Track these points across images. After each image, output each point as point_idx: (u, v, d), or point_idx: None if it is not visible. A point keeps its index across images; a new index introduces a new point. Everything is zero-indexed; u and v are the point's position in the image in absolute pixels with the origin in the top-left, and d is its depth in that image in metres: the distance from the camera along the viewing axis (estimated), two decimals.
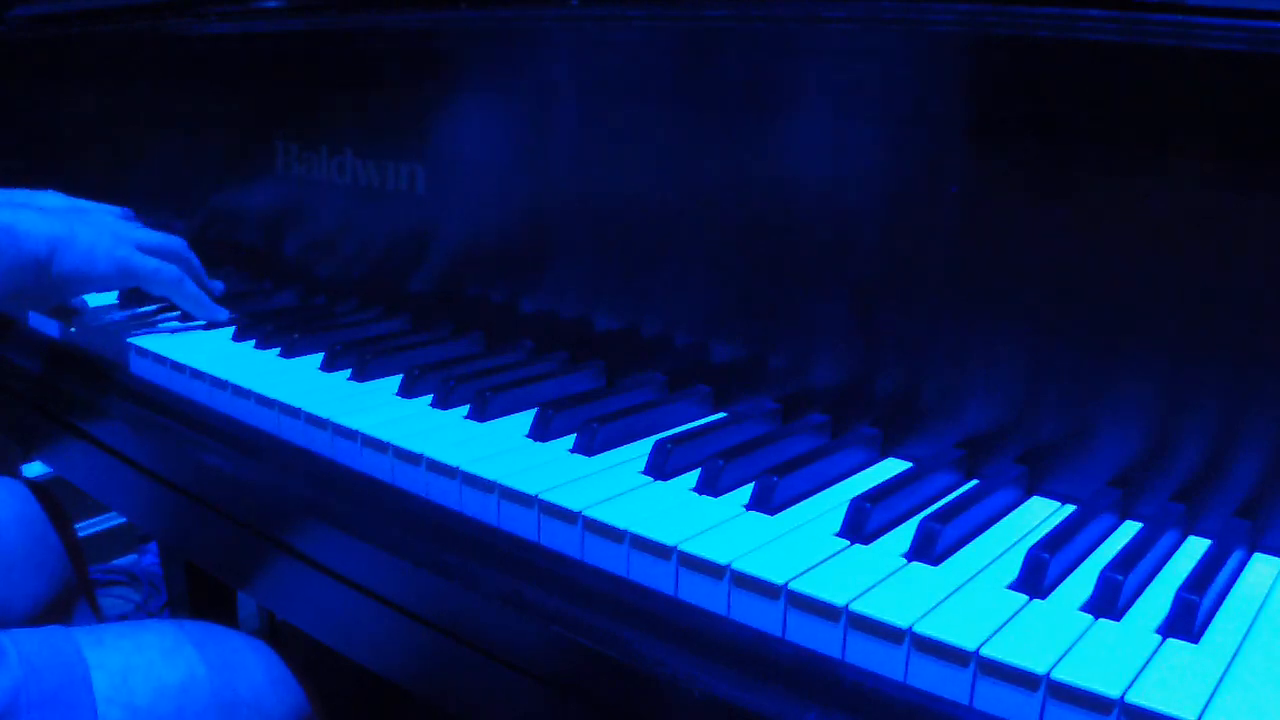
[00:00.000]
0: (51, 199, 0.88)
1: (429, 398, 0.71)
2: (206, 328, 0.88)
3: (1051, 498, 0.59)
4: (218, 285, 0.92)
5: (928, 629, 0.43)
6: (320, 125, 0.93)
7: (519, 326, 0.82)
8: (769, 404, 0.68)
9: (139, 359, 0.83)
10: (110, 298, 0.99)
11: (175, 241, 0.88)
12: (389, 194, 0.88)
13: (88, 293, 0.83)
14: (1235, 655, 0.43)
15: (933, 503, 0.57)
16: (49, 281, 0.78)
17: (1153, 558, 0.50)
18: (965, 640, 0.43)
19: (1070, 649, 0.43)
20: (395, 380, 0.74)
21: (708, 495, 0.57)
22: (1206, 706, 0.39)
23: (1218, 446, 0.53)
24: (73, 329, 0.91)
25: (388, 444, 0.63)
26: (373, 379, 0.75)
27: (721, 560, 0.49)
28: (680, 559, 0.50)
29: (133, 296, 0.98)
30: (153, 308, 0.94)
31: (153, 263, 0.83)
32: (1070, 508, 0.58)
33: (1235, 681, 0.41)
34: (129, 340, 0.84)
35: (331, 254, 0.95)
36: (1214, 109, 0.51)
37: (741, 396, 0.70)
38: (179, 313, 0.90)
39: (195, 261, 0.89)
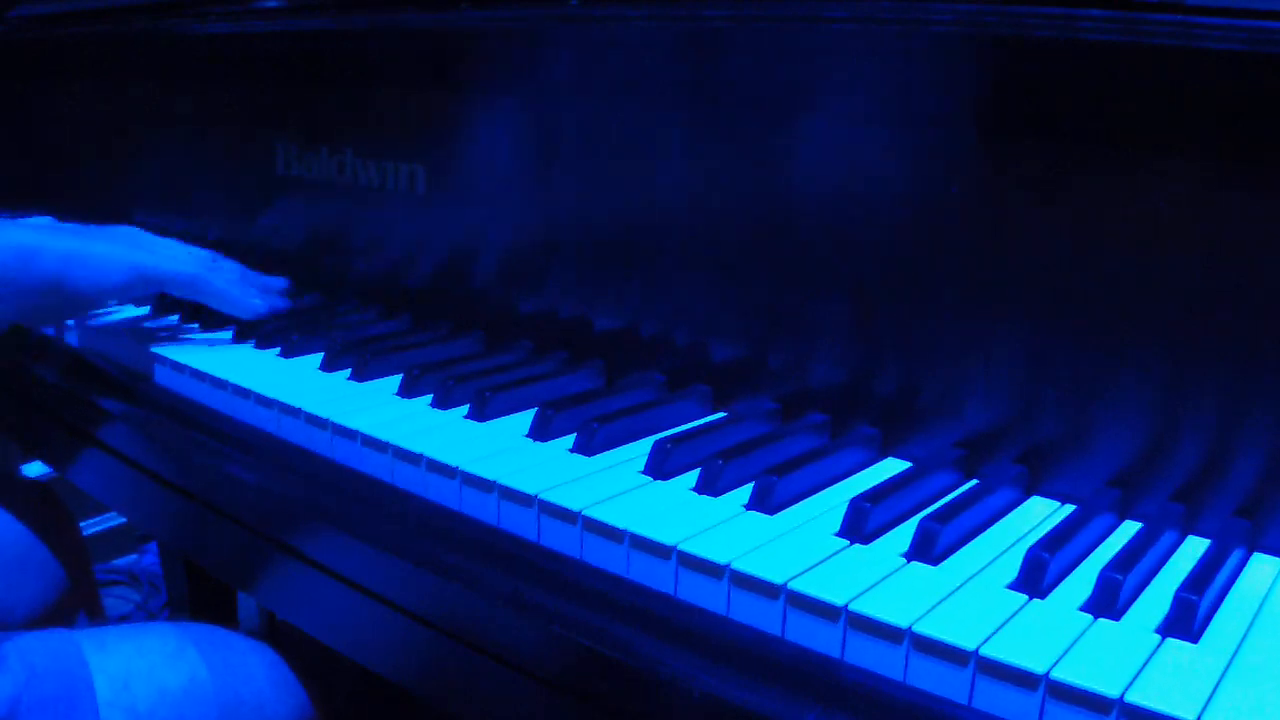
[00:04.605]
0: (125, 232, 0.86)
1: (429, 397, 0.71)
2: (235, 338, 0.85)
3: (1051, 498, 0.59)
4: (278, 281, 0.89)
5: (927, 629, 0.44)
6: (320, 125, 0.93)
7: (518, 326, 0.82)
8: (768, 404, 0.68)
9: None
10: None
11: (200, 252, 0.86)
12: (389, 194, 0.88)
13: (108, 304, 0.80)
14: (1235, 655, 0.43)
15: (932, 503, 0.57)
16: (63, 298, 0.77)
17: (1152, 558, 0.50)
18: (965, 640, 0.43)
19: (1070, 649, 0.43)
20: (395, 380, 0.74)
21: (707, 495, 0.57)
22: (1206, 706, 0.39)
23: (1217, 446, 0.53)
24: (76, 334, 0.91)
25: (387, 444, 0.63)
26: (372, 379, 0.75)
27: (721, 560, 0.49)
28: (680, 559, 0.50)
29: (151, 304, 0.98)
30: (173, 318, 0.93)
31: (169, 265, 0.81)
32: (1070, 508, 0.58)
33: (1235, 681, 0.41)
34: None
35: (331, 254, 0.95)
36: (1214, 109, 0.51)
37: (741, 396, 0.70)
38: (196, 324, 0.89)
39: (226, 264, 0.87)
